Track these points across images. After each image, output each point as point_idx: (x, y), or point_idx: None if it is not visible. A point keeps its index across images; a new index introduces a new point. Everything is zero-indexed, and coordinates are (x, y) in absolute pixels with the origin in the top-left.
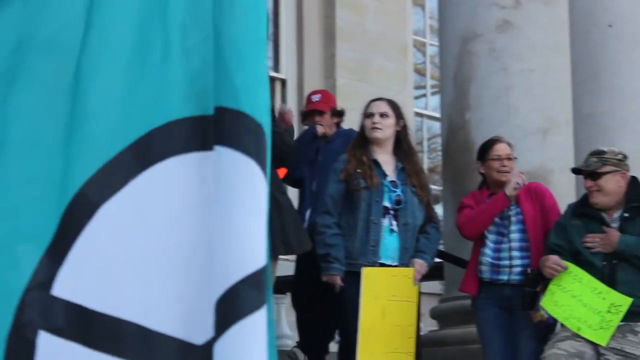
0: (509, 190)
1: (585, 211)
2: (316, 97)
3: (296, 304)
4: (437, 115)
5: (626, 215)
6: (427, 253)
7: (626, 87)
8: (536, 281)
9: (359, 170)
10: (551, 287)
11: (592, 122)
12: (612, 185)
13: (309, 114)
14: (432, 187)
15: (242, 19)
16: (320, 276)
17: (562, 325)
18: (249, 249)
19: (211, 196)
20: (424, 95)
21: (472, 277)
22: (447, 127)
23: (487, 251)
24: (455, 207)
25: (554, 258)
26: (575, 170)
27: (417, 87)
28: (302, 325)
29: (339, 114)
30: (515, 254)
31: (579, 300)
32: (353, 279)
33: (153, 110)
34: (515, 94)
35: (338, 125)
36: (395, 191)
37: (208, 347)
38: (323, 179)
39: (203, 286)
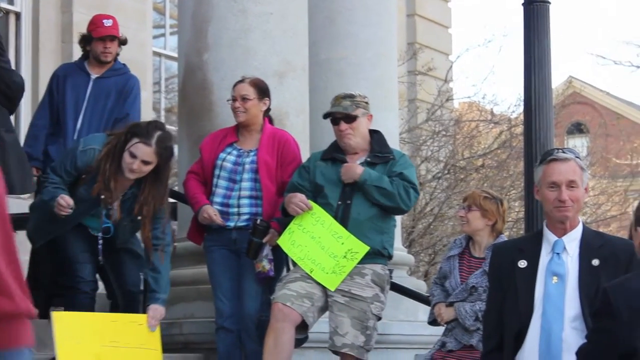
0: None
1: (332, 155)
2: (109, 22)
3: (31, 259)
4: (176, 55)
5: (369, 160)
6: (160, 292)
7: (361, 34)
8: (264, 232)
9: None
10: (292, 226)
11: (329, 68)
12: (364, 127)
13: (101, 38)
14: (170, 127)
15: None
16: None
17: (294, 265)
18: None
19: None
20: (163, 35)
21: (198, 224)
22: (184, 67)
23: (216, 199)
24: (189, 148)
25: (301, 196)
26: (328, 114)
27: (156, 26)
28: (29, 278)
29: (124, 43)
30: (245, 201)
31: (317, 242)
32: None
33: None
34: (254, 36)
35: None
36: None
37: None
38: (92, 117)
39: None
